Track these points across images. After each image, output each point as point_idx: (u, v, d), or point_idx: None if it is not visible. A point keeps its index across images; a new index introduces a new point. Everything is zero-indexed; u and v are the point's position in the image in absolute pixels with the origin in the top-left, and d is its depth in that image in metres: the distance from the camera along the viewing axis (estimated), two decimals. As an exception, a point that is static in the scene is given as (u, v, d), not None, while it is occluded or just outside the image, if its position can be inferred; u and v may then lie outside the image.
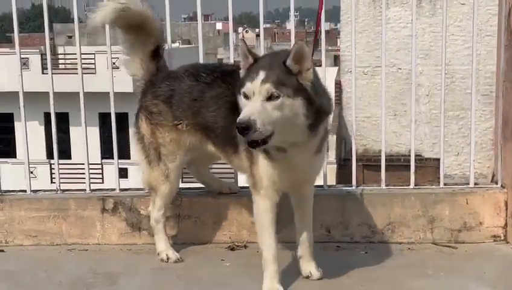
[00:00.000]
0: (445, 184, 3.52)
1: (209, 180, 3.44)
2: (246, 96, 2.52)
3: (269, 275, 2.76)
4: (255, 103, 2.47)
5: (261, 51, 3.62)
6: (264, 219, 2.78)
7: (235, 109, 2.65)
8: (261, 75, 2.50)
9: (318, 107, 2.57)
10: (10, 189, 3.58)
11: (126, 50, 3.21)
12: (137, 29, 3.14)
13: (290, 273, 2.94)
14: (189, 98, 3.04)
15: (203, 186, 3.47)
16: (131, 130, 3.25)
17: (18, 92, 3.56)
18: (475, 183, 3.47)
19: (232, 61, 3.74)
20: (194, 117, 3.03)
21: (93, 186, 3.56)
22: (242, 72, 2.65)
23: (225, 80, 2.98)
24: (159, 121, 3.06)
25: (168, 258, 3.12)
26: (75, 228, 3.41)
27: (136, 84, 3.23)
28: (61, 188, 3.54)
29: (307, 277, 2.91)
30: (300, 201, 2.93)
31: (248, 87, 2.51)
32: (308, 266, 2.92)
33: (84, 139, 3.54)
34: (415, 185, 3.48)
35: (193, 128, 3.05)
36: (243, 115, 2.44)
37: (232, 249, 3.31)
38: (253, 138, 2.46)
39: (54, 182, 3.58)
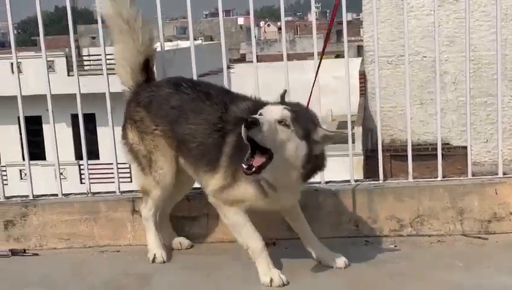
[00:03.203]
0: (473, 175, 3.50)
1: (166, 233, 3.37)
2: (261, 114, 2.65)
3: (262, 262, 2.85)
4: (268, 116, 2.63)
5: (283, 45, 3.64)
6: (239, 219, 2.88)
7: (218, 131, 2.89)
8: (280, 107, 2.69)
9: (316, 165, 2.78)
10: (42, 193, 3.66)
11: (118, 58, 3.27)
12: (128, 34, 3.20)
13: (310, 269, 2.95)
14: (167, 106, 3.07)
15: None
16: (120, 142, 3.27)
17: (45, 94, 3.63)
18: (504, 173, 3.44)
19: (254, 56, 3.76)
20: (170, 124, 3.06)
21: (121, 186, 3.61)
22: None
23: (210, 97, 3.02)
24: (143, 128, 3.10)
25: (154, 258, 3.16)
26: (107, 230, 3.47)
27: (124, 95, 3.27)
28: (91, 191, 3.60)
29: (332, 267, 2.96)
30: (289, 213, 3.05)
31: (269, 106, 2.72)
32: (330, 256, 2.98)
33: (113, 141, 3.59)
34: (443, 177, 3.47)
35: (167, 135, 3.07)
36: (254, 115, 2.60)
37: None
38: (255, 138, 2.54)
39: (83, 183, 3.65)
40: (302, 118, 2.70)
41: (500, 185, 3.36)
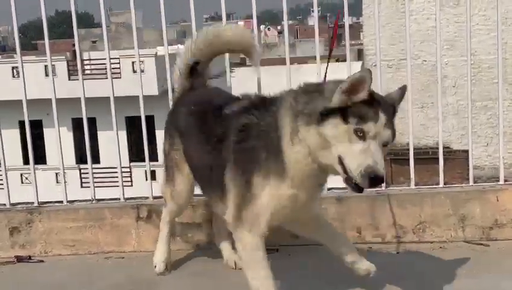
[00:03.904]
0: (475, 182, 3.53)
1: (223, 249, 3.24)
2: (361, 134, 2.26)
3: None
4: (378, 150, 2.26)
5: (286, 48, 3.66)
6: (257, 255, 2.52)
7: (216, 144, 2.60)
8: (384, 119, 2.29)
9: None
10: (47, 200, 3.68)
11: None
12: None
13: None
14: (184, 125, 2.94)
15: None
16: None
17: (45, 99, 3.66)
18: (505, 180, 3.47)
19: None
20: (185, 145, 2.93)
21: (124, 191, 3.63)
22: (344, 99, 2.28)
23: (211, 110, 2.78)
24: (171, 143, 3.03)
25: (155, 266, 3.15)
26: (111, 236, 3.49)
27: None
28: (96, 198, 3.63)
29: (368, 274, 2.75)
30: (312, 222, 2.77)
31: (371, 127, 2.26)
32: (364, 263, 2.75)
33: (116, 146, 3.63)
34: (445, 184, 3.49)
35: (183, 155, 2.94)
36: (377, 165, 2.22)
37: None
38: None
39: (84, 186, 3.68)
40: (392, 118, 2.40)
41: (502, 191, 3.38)
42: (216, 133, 2.65)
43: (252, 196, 2.46)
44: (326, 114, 2.29)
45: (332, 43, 3.42)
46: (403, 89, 2.51)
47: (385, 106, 2.34)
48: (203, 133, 2.76)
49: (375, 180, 2.22)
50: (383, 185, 2.32)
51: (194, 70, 3.10)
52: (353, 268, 2.75)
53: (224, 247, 3.22)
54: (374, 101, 2.30)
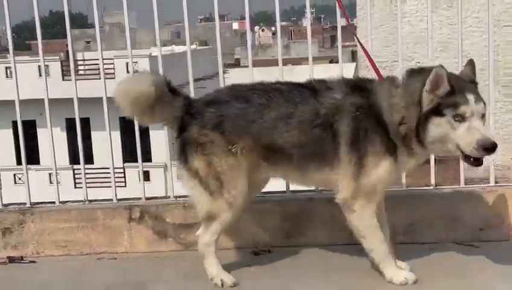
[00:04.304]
0: (466, 181, 3.54)
1: None
2: (461, 118, 2.66)
3: (387, 265, 2.92)
4: (480, 124, 2.68)
5: (279, 49, 3.67)
6: (373, 221, 2.90)
7: (320, 125, 2.85)
8: (472, 97, 2.69)
9: None
10: (39, 201, 3.68)
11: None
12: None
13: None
14: (245, 121, 2.92)
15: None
16: (179, 170, 3.00)
17: (39, 99, 3.66)
18: (496, 182, 3.49)
19: (250, 60, 3.74)
20: (253, 139, 2.92)
21: (116, 190, 3.63)
22: (434, 98, 2.70)
23: (292, 98, 2.92)
24: (213, 150, 2.91)
25: (222, 284, 2.96)
26: (104, 237, 3.49)
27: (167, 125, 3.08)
28: (88, 199, 3.63)
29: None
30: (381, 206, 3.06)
31: (465, 109, 2.66)
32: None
33: (109, 146, 3.62)
34: (436, 185, 3.51)
35: (249, 151, 2.92)
36: (485, 136, 2.63)
37: (257, 253, 3.37)
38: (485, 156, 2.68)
39: (78, 187, 3.68)
40: (479, 94, 2.79)
41: (492, 193, 3.40)
42: (322, 113, 2.86)
43: (370, 170, 2.82)
44: (425, 118, 2.71)
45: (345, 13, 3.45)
46: (471, 64, 2.87)
47: (467, 86, 2.74)
48: (299, 115, 2.89)
49: (489, 149, 2.63)
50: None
51: (173, 90, 2.99)
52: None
53: None
54: (456, 87, 2.69)
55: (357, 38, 3.42)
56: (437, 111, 2.68)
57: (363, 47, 3.44)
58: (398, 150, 2.84)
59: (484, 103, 2.73)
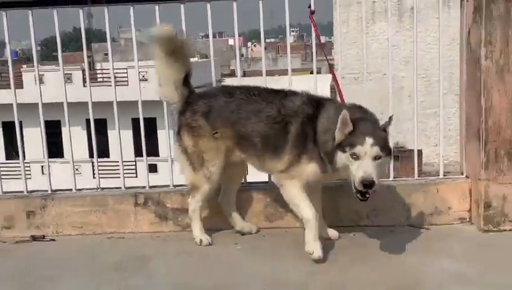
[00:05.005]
0: (421, 175, 3.56)
1: (235, 219, 3.38)
2: (356, 156, 2.66)
3: (309, 233, 2.89)
4: (369, 163, 2.65)
5: (263, 64, 3.67)
6: (297, 191, 2.92)
7: (278, 123, 2.95)
8: (371, 140, 2.66)
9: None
10: (59, 188, 3.67)
11: (162, 79, 3.19)
12: (176, 54, 3.13)
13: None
14: (227, 111, 3.06)
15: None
16: (174, 145, 3.24)
17: (63, 102, 3.64)
18: (444, 174, 3.51)
19: (239, 71, 3.77)
20: (231, 127, 3.05)
21: (128, 180, 3.63)
22: (339, 133, 2.72)
23: (264, 98, 3.05)
24: (199, 133, 3.08)
25: (201, 242, 3.18)
26: (113, 219, 3.48)
27: (172, 107, 3.24)
28: (101, 187, 3.62)
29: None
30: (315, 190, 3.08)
31: (359, 149, 2.65)
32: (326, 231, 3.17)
33: (122, 143, 3.61)
34: (395, 177, 3.53)
35: (225, 136, 3.06)
36: (366, 174, 2.61)
37: (243, 233, 3.37)
38: (370, 191, 2.64)
39: (96, 178, 3.66)
40: (382, 137, 2.72)
41: (441, 184, 3.42)
42: (282, 113, 2.97)
43: (300, 163, 2.90)
44: (335, 149, 2.74)
45: (316, 33, 3.41)
46: (390, 118, 2.83)
47: (370, 130, 2.71)
48: (266, 112, 3.00)
49: (367, 185, 2.62)
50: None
51: (186, 80, 3.19)
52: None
53: (236, 218, 3.36)
54: (358, 129, 2.70)
55: (325, 56, 3.41)
56: (341, 146, 2.71)
57: (331, 70, 3.54)
58: (324, 160, 2.88)
59: (383, 149, 2.67)
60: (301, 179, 2.93)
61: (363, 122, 2.76)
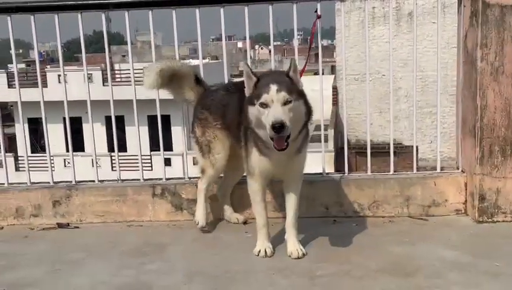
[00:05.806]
0: (418, 170, 3.55)
1: (225, 210, 3.41)
2: (265, 105, 2.48)
3: (262, 236, 2.87)
4: (277, 108, 2.45)
5: (272, 64, 3.67)
6: (256, 195, 2.84)
7: (238, 114, 2.80)
8: (275, 86, 2.49)
9: (309, 107, 2.64)
10: (82, 179, 3.68)
11: (175, 91, 3.27)
12: (174, 78, 3.22)
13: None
14: (221, 104, 3.10)
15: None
16: (190, 135, 3.28)
17: (85, 100, 3.65)
18: (441, 169, 3.49)
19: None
20: (223, 118, 3.10)
21: (144, 173, 3.63)
22: (247, 89, 2.61)
23: (235, 92, 2.99)
24: (206, 124, 3.15)
25: (197, 223, 3.20)
26: (132, 209, 3.50)
27: (191, 104, 3.29)
28: (121, 178, 3.63)
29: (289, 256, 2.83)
30: (287, 187, 2.88)
31: (266, 97, 2.48)
32: (289, 244, 2.87)
33: (140, 138, 3.61)
34: (394, 172, 3.51)
35: (222, 127, 3.10)
36: (274, 117, 2.40)
37: (245, 222, 3.36)
38: (284, 134, 2.43)
39: (115, 170, 3.67)
40: (287, 82, 2.53)
41: (438, 178, 3.40)
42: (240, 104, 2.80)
43: (247, 156, 2.80)
44: (246, 109, 2.60)
45: (311, 37, 3.39)
46: (292, 61, 2.62)
47: (275, 78, 2.55)
48: (233, 104, 2.96)
49: (276, 127, 2.40)
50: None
51: (198, 79, 3.27)
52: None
53: (227, 208, 3.40)
54: (262, 80, 2.56)
55: (308, 53, 3.41)
56: (251, 101, 2.55)
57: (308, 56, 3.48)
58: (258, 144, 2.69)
59: (290, 93, 2.47)
60: (255, 173, 2.76)
61: (266, 74, 2.65)
